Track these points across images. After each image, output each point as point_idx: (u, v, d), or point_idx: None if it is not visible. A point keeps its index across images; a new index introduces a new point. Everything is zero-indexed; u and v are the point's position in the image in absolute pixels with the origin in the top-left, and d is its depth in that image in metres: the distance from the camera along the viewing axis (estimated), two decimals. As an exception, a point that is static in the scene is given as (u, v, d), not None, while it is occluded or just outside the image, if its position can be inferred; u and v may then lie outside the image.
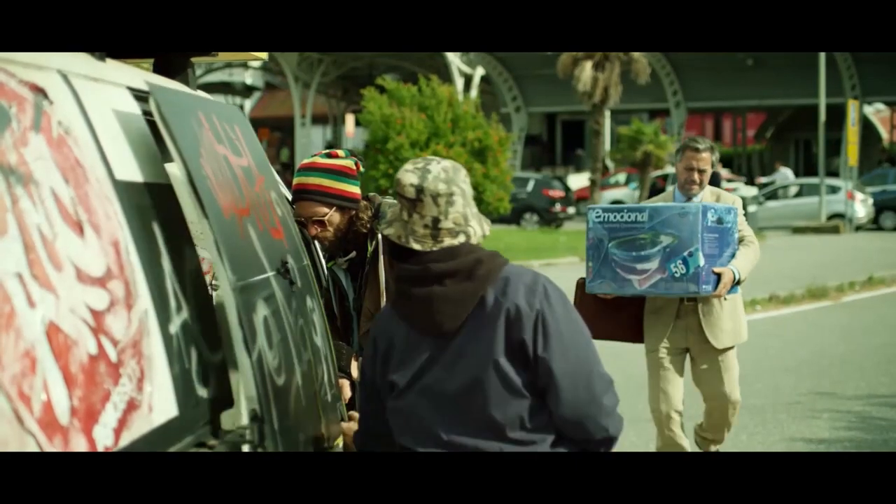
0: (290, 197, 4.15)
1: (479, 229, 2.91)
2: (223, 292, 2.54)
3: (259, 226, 2.95)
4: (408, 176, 2.86)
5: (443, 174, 2.86)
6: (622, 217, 5.74)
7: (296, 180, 4.10)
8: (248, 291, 2.64)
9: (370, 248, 4.12)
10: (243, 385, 2.56)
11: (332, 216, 4.08)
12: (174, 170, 4.14)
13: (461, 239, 2.86)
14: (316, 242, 4.31)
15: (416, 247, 2.85)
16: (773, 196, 31.98)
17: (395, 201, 4.18)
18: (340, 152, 4.17)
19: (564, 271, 15.03)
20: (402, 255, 2.91)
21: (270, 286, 2.87)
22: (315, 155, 4.17)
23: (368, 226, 4.12)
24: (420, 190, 2.84)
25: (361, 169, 4.20)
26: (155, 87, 2.54)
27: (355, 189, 4.15)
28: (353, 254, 4.16)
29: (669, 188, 6.47)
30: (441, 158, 2.95)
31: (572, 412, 2.80)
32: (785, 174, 35.60)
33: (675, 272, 5.61)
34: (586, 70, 29.39)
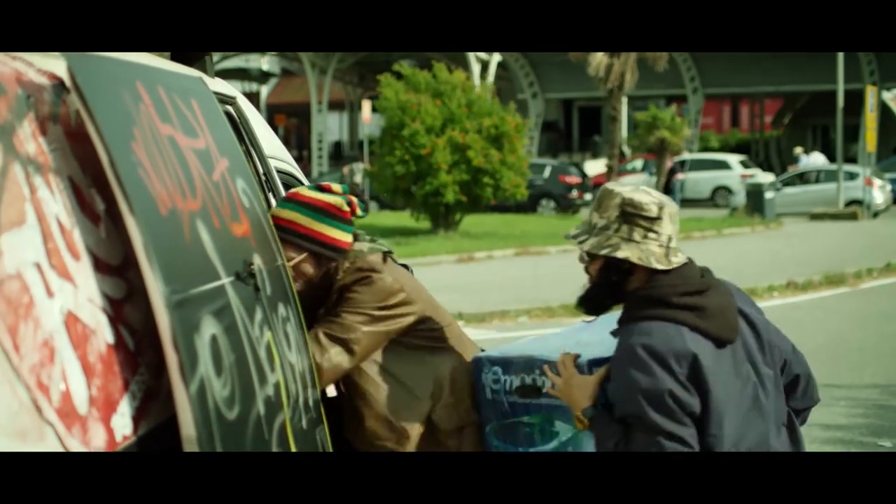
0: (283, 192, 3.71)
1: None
2: (154, 309, 2.11)
3: (215, 221, 2.51)
4: (643, 196, 2.86)
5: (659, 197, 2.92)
6: (512, 380, 3.25)
7: (271, 211, 3.31)
8: (188, 306, 2.20)
9: (336, 286, 3.33)
10: (180, 423, 2.10)
11: (303, 265, 3.30)
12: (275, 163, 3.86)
13: (682, 257, 2.90)
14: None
15: (658, 266, 2.84)
16: (790, 182, 31.83)
17: (373, 244, 3.37)
18: (336, 187, 3.37)
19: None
20: (630, 273, 2.89)
21: (224, 296, 2.42)
22: (304, 185, 3.57)
23: (339, 275, 3.33)
24: (661, 207, 2.86)
25: (359, 213, 3.37)
26: (69, 53, 2.18)
27: (340, 235, 3.32)
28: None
29: None
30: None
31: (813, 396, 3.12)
32: (808, 161, 35.20)
33: None
34: (598, 56, 29.20)
